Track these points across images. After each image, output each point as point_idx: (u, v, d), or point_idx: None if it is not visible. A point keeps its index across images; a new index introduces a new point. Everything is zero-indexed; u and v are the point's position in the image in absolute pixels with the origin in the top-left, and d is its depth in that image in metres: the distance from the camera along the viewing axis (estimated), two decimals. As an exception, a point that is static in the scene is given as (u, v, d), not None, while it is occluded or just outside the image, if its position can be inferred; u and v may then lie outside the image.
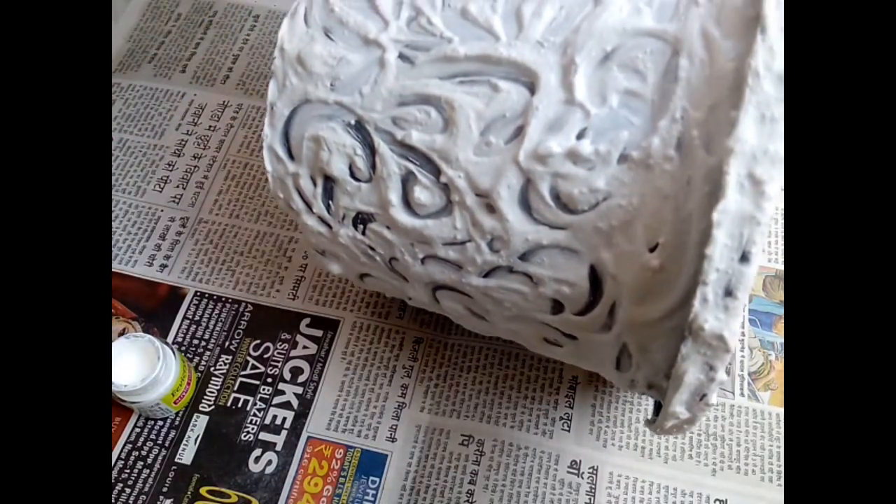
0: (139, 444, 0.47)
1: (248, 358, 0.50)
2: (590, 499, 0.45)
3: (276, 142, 0.36)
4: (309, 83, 0.34)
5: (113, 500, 0.45)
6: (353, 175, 0.34)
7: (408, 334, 0.51)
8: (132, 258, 0.54)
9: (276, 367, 0.50)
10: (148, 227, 0.56)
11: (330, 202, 0.35)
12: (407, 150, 0.33)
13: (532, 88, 0.31)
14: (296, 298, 0.53)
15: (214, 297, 0.53)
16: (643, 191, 0.29)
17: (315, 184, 0.35)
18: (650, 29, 0.29)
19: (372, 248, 0.35)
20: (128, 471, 0.46)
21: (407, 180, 0.33)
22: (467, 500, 0.46)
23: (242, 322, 0.52)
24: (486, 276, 0.33)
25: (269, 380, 0.49)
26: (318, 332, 0.51)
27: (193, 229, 0.56)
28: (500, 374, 0.49)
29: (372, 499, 0.46)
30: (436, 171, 0.33)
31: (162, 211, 0.57)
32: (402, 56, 0.33)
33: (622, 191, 0.29)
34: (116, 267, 0.54)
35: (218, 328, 0.51)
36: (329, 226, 0.36)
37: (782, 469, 0.46)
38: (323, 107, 0.34)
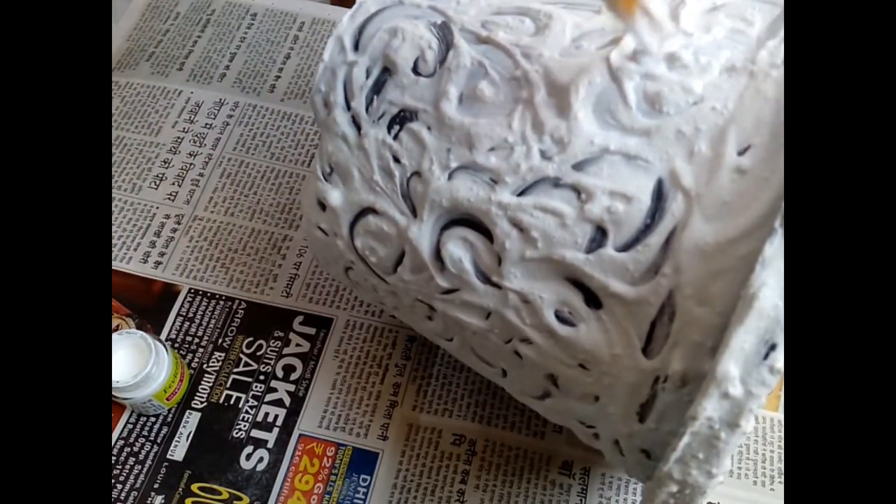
0: (131, 440, 0.47)
1: (241, 355, 0.50)
2: (581, 500, 0.45)
3: (347, 32, 0.35)
4: None
5: (103, 496, 0.45)
6: (415, 69, 0.33)
7: (401, 333, 0.51)
8: (127, 255, 0.54)
9: (269, 364, 0.50)
10: (143, 224, 0.56)
11: (375, 96, 0.34)
12: (487, 45, 0.32)
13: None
14: (289, 296, 0.53)
15: (208, 295, 0.53)
16: (743, 94, 0.28)
17: (369, 74, 0.34)
18: None
19: (397, 159, 0.33)
20: (119, 466, 0.46)
21: (475, 74, 0.32)
22: (458, 500, 0.45)
23: (236, 319, 0.52)
24: (522, 192, 0.31)
25: (262, 377, 0.49)
26: (312, 330, 0.51)
27: (188, 226, 0.56)
28: (492, 373, 0.49)
29: (363, 497, 0.45)
30: (511, 67, 0.31)
31: (157, 208, 0.57)
32: None
33: (717, 95, 0.28)
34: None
35: (211, 325, 0.51)
36: (358, 127, 0.34)
37: (775, 473, 0.46)
38: (414, 9, 0.34)
